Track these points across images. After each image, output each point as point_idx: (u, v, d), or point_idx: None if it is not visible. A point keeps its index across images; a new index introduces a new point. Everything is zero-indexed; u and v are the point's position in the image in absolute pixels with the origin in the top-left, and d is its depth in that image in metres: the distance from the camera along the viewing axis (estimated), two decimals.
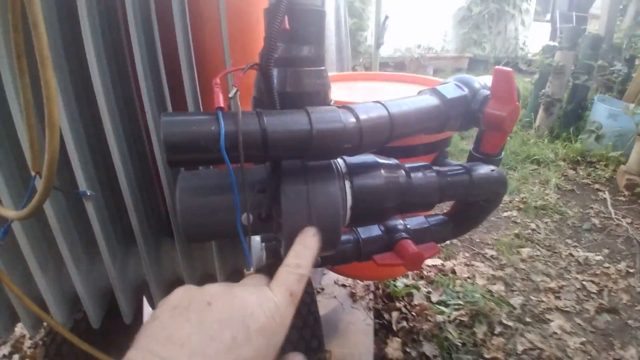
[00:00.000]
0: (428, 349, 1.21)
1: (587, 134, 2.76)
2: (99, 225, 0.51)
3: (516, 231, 1.88)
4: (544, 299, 1.45)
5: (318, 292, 1.30)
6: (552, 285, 1.52)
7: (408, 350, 1.20)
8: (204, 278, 0.63)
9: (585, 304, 1.44)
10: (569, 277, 1.58)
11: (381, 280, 1.42)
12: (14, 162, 0.48)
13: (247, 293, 0.29)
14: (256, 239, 0.63)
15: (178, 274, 0.61)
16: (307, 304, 0.72)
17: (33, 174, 0.40)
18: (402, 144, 0.69)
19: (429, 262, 1.63)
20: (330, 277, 1.36)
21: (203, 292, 0.28)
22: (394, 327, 1.27)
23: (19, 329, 1.25)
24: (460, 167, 0.54)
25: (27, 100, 0.37)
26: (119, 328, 0.63)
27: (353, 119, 0.39)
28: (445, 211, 0.66)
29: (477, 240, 1.84)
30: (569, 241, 1.83)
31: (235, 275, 0.64)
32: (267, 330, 0.27)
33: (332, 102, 0.47)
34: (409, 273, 1.54)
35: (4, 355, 1.18)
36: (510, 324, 1.32)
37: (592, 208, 2.12)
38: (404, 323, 1.29)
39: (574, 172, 2.57)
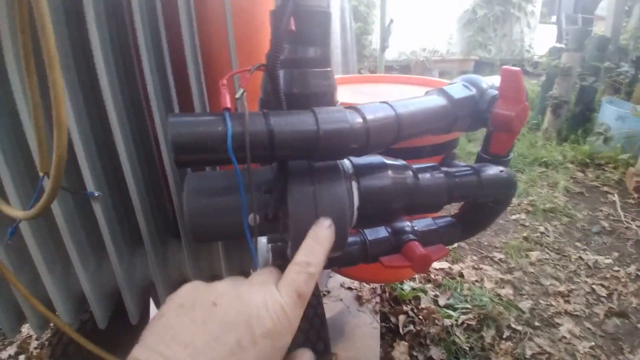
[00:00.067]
0: (435, 353, 1.20)
1: (595, 136, 2.73)
2: (106, 225, 0.51)
3: (525, 234, 1.87)
4: (553, 303, 1.43)
5: (324, 295, 1.30)
6: (562, 288, 1.50)
7: (415, 354, 1.19)
8: (211, 279, 0.62)
9: (595, 307, 1.42)
10: (579, 280, 1.56)
11: (388, 283, 1.41)
12: (22, 163, 0.49)
13: (253, 293, 0.28)
14: (262, 241, 0.62)
15: (185, 274, 0.61)
16: (313, 306, 0.72)
17: (41, 174, 0.40)
18: (409, 146, 0.69)
19: (436, 265, 1.62)
20: (336, 280, 1.36)
21: (209, 290, 0.28)
22: (401, 331, 1.26)
23: (25, 329, 1.25)
24: (469, 168, 0.53)
25: (35, 101, 0.38)
26: (126, 328, 0.63)
27: (360, 119, 0.39)
28: (453, 213, 0.66)
29: (485, 243, 1.82)
30: (578, 244, 1.81)
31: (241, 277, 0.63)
32: (273, 333, 0.27)
33: (339, 103, 0.47)
34: (416, 276, 1.53)
35: (10, 356, 1.19)
36: (519, 328, 1.30)
37: (601, 211, 2.09)
38: (411, 327, 1.28)
39: (583, 174, 2.55)
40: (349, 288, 1.33)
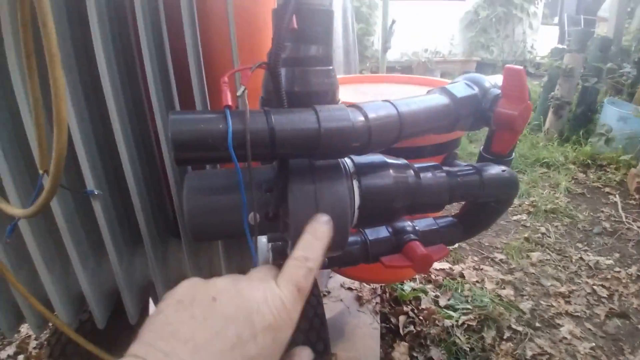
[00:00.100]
0: (435, 353, 1.19)
1: (597, 137, 2.73)
2: (106, 224, 0.51)
3: (526, 235, 1.86)
4: (554, 304, 1.43)
5: (324, 295, 1.30)
6: (562, 289, 1.50)
7: (415, 354, 1.19)
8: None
9: (596, 308, 1.41)
10: (579, 281, 1.56)
11: (388, 284, 1.40)
12: (22, 161, 0.48)
13: (253, 289, 0.28)
14: (263, 240, 0.62)
15: (184, 274, 0.61)
16: (313, 306, 0.72)
17: (41, 172, 0.40)
18: (410, 145, 0.68)
19: (437, 265, 1.61)
20: (336, 280, 1.36)
21: (208, 286, 0.28)
22: (401, 331, 1.26)
23: (24, 329, 1.25)
24: (471, 168, 0.53)
25: (36, 99, 0.37)
26: (125, 329, 0.63)
27: (361, 118, 0.39)
28: (454, 213, 0.66)
29: (486, 244, 1.82)
30: (580, 245, 1.81)
31: None
32: (273, 327, 0.27)
33: (340, 102, 0.47)
34: (417, 277, 1.52)
35: (9, 356, 1.18)
36: (520, 328, 1.30)
37: (602, 212, 2.09)
38: (411, 327, 1.28)
39: (584, 175, 2.54)
40: (349, 288, 1.33)
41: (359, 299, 1.28)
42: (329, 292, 1.31)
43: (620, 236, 1.88)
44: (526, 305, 1.41)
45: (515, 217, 2.04)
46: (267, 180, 0.40)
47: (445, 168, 0.51)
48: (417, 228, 0.60)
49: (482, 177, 0.52)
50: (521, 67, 0.49)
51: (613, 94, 3.08)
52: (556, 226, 1.96)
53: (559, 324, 1.33)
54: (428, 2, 6.06)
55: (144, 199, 0.53)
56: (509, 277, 1.57)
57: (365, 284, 1.35)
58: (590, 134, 2.92)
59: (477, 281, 1.54)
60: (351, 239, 0.59)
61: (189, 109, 0.52)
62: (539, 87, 3.76)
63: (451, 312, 1.35)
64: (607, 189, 2.34)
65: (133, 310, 0.59)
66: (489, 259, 1.71)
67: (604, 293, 1.49)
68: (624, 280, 1.55)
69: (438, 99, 0.48)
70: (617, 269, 1.63)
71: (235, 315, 0.26)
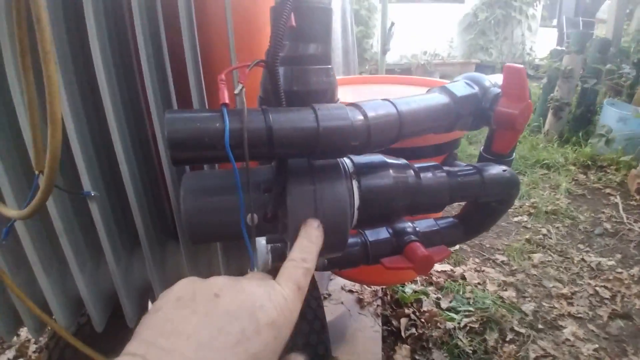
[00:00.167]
0: (438, 356, 1.18)
1: (597, 137, 2.72)
2: (103, 226, 0.51)
3: (527, 236, 1.85)
4: (556, 305, 1.42)
5: (325, 298, 1.29)
6: (565, 291, 1.49)
7: (417, 357, 1.18)
8: None
9: (598, 309, 1.40)
10: (582, 282, 1.55)
11: (389, 286, 1.40)
12: (18, 162, 0.48)
13: (254, 286, 0.28)
14: (262, 242, 0.62)
15: (183, 276, 0.59)
16: (313, 309, 0.71)
17: (37, 172, 0.40)
18: (410, 145, 0.68)
19: (438, 267, 1.61)
20: (337, 283, 1.35)
21: (208, 283, 0.28)
22: (403, 334, 1.25)
23: (24, 333, 1.24)
24: (471, 168, 0.53)
25: (31, 98, 0.37)
26: (125, 332, 0.62)
27: (361, 117, 0.38)
28: (455, 214, 0.65)
29: (488, 245, 1.81)
30: (581, 246, 1.80)
31: None
32: (276, 323, 0.27)
33: (339, 101, 0.47)
34: (418, 279, 1.52)
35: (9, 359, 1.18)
36: (522, 330, 1.29)
37: (603, 213, 2.08)
38: (413, 330, 1.27)
39: (585, 176, 2.54)
40: (350, 291, 1.32)
41: (359, 301, 1.28)
42: (329, 295, 1.30)
43: (622, 237, 1.87)
44: (528, 307, 1.40)
45: (516, 219, 2.04)
46: (265, 180, 0.40)
47: (445, 168, 0.50)
48: (417, 229, 0.59)
49: (483, 177, 0.52)
50: (521, 66, 0.49)
51: (612, 95, 3.07)
52: (557, 227, 1.95)
53: (561, 326, 1.32)
54: (427, 4, 6.08)
55: (141, 200, 0.53)
56: (510, 279, 1.57)
57: (366, 287, 1.34)
58: (590, 135, 2.91)
59: (478, 283, 1.54)
60: (351, 240, 0.58)
61: (188, 107, 0.52)
62: (538, 89, 3.76)
63: (453, 315, 1.34)
64: (607, 190, 2.33)
65: (131, 313, 0.58)
66: (491, 261, 1.70)
67: (606, 294, 1.48)
68: (626, 281, 1.54)
69: (438, 98, 0.48)
70: (619, 270, 1.62)
71: (239, 311, 0.26)
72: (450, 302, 1.41)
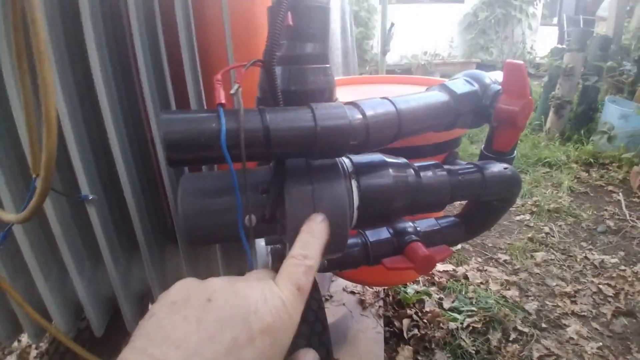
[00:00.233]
0: (440, 357, 1.18)
1: (598, 135, 2.71)
2: (101, 230, 0.50)
3: (530, 235, 1.85)
4: (560, 304, 1.41)
5: (326, 300, 1.28)
6: (568, 289, 1.48)
7: (420, 358, 1.17)
8: None
9: (602, 307, 1.40)
10: (585, 280, 1.54)
11: (391, 287, 1.39)
12: (16, 166, 0.48)
13: (250, 289, 0.27)
14: (262, 244, 0.61)
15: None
16: (314, 310, 0.70)
17: (34, 175, 0.39)
18: (410, 144, 0.68)
19: (440, 267, 1.60)
20: (338, 284, 1.34)
21: (203, 287, 0.27)
22: (405, 335, 1.24)
23: (26, 338, 1.24)
24: (472, 166, 0.52)
25: (27, 100, 0.37)
26: (124, 337, 0.62)
27: (359, 115, 0.38)
28: (456, 213, 0.65)
29: (490, 244, 1.80)
30: (584, 244, 1.79)
31: None
32: (272, 329, 0.25)
33: (338, 101, 0.46)
34: (420, 279, 1.51)
35: None
36: (526, 330, 1.28)
37: (606, 210, 2.07)
38: (415, 331, 1.27)
39: (587, 174, 2.53)
40: (352, 292, 1.32)
41: (361, 302, 1.27)
42: (331, 297, 1.30)
43: (625, 234, 1.86)
44: (532, 306, 1.39)
45: (518, 217, 2.03)
46: (263, 181, 0.40)
47: (446, 166, 0.50)
48: (418, 229, 0.58)
49: (484, 175, 0.51)
50: (521, 62, 0.48)
51: (614, 93, 3.06)
52: (560, 225, 1.95)
53: (565, 324, 1.31)
54: (427, 5, 6.08)
55: (139, 202, 0.52)
56: (513, 278, 1.56)
57: (367, 288, 1.34)
58: (592, 132, 2.90)
59: (481, 282, 1.53)
60: (351, 240, 0.58)
61: (186, 108, 0.51)
62: (539, 87, 3.75)
63: (456, 315, 1.34)
64: (610, 188, 2.32)
65: (131, 317, 0.58)
66: (493, 260, 1.69)
67: (609, 292, 1.47)
68: (629, 279, 1.53)
69: (437, 96, 0.47)
70: (623, 267, 1.61)
71: (231, 317, 0.24)
72: (453, 302, 1.41)
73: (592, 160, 2.66)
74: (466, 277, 1.55)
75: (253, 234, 0.40)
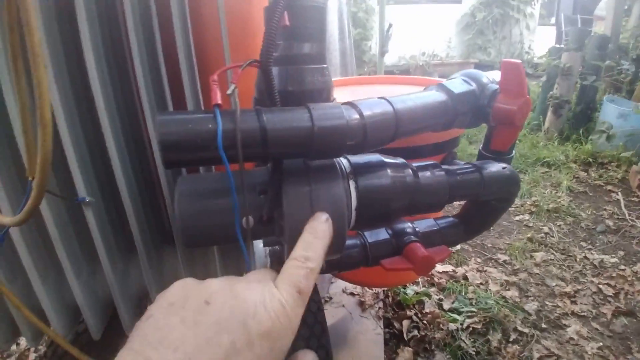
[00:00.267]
0: (441, 358, 1.17)
1: (597, 134, 2.72)
2: (98, 233, 0.50)
3: (529, 235, 1.84)
4: (560, 304, 1.41)
5: (326, 301, 1.28)
6: (568, 289, 1.48)
7: None
8: None
9: (602, 307, 1.39)
10: (585, 280, 1.54)
11: (391, 288, 1.39)
12: (13, 169, 0.48)
13: (249, 291, 0.26)
14: (260, 246, 0.61)
15: None
16: (313, 312, 0.70)
17: (30, 178, 0.39)
18: (408, 145, 0.67)
19: (439, 268, 1.60)
20: (338, 286, 1.34)
21: (202, 288, 0.26)
22: (405, 337, 1.24)
23: (25, 342, 1.24)
24: (471, 166, 0.52)
25: (23, 103, 0.36)
26: (122, 340, 0.61)
27: (356, 115, 0.38)
28: (455, 213, 0.64)
29: (489, 245, 1.80)
30: (583, 244, 1.79)
31: None
32: (271, 333, 0.25)
33: (335, 101, 0.46)
34: (420, 280, 1.51)
35: None
36: (526, 330, 1.28)
37: (605, 210, 2.07)
38: (415, 332, 1.26)
39: (586, 173, 2.53)
40: (351, 294, 1.31)
41: (361, 304, 1.27)
42: (330, 298, 1.30)
43: (624, 234, 1.86)
44: (531, 306, 1.39)
45: (517, 217, 2.03)
46: (261, 182, 0.39)
47: (444, 166, 0.49)
48: (417, 229, 0.58)
49: (483, 175, 0.51)
50: (519, 61, 0.48)
51: (612, 92, 3.07)
52: (559, 225, 1.94)
53: (565, 325, 1.31)
54: (424, 5, 6.09)
55: (137, 205, 0.52)
56: (513, 278, 1.56)
57: (367, 289, 1.33)
58: (591, 132, 2.90)
59: (481, 283, 1.52)
60: (350, 242, 0.58)
61: (183, 110, 0.51)
62: (537, 87, 3.75)
63: (455, 316, 1.33)
64: (609, 187, 2.32)
65: (128, 320, 0.57)
66: (493, 260, 1.69)
67: (609, 292, 1.47)
68: (629, 278, 1.53)
69: (435, 96, 0.47)
70: (622, 267, 1.61)
71: (229, 320, 0.24)
72: (453, 303, 1.40)
73: (591, 160, 2.66)
74: (466, 278, 1.55)
75: (251, 235, 0.40)
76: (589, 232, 1.89)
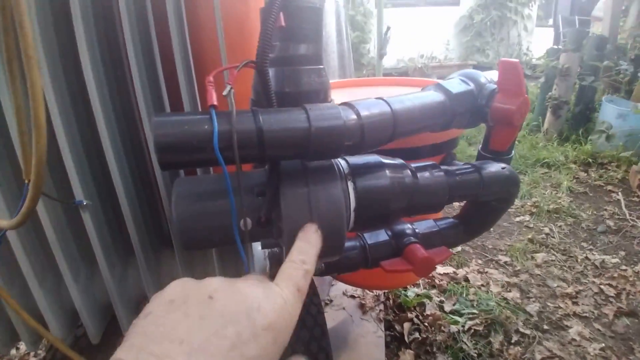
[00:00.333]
0: None
1: (596, 134, 2.72)
2: (96, 236, 0.50)
3: (530, 236, 1.84)
4: (561, 305, 1.40)
5: (326, 304, 1.27)
6: (569, 290, 1.47)
7: None
8: None
9: (604, 308, 1.39)
10: (586, 281, 1.53)
11: (391, 290, 1.38)
12: (11, 173, 0.47)
13: (251, 287, 0.27)
14: (259, 248, 0.61)
15: None
16: (313, 315, 0.70)
17: (26, 181, 0.39)
18: (407, 146, 0.67)
19: (440, 270, 1.59)
20: (338, 288, 1.33)
21: (202, 285, 0.27)
22: (406, 339, 1.23)
23: (24, 346, 1.23)
24: (470, 166, 0.52)
25: (19, 105, 0.36)
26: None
27: (354, 116, 0.37)
28: (455, 214, 0.64)
29: (490, 246, 1.79)
30: (584, 244, 1.78)
31: None
32: (275, 326, 0.25)
33: (332, 102, 0.46)
34: (420, 282, 1.50)
35: None
36: (527, 332, 1.27)
37: (605, 210, 2.07)
38: (417, 334, 1.26)
39: (586, 174, 2.52)
40: (352, 296, 1.31)
41: (362, 306, 1.26)
42: (331, 301, 1.29)
43: (625, 234, 1.85)
44: (533, 307, 1.39)
45: (518, 219, 2.02)
46: (258, 183, 0.39)
47: (443, 167, 0.49)
48: (417, 230, 0.58)
49: (482, 175, 0.51)
50: (517, 60, 0.48)
51: (611, 92, 3.07)
52: (560, 226, 1.94)
53: (567, 326, 1.30)
54: (422, 8, 6.11)
55: (134, 208, 0.52)
56: (514, 280, 1.55)
57: (367, 291, 1.33)
58: (590, 132, 2.90)
59: (482, 285, 1.52)
60: (350, 243, 0.57)
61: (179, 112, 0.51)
62: (536, 88, 3.76)
63: (457, 318, 1.33)
64: (609, 187, 2.32)
65: (127, 323, 0.57)
66: (494, 262, 1.68)
67: (611, 292, 1.46)
68: (630, 279, 1.52)
69: (433, 96, 0.47)
70: (624, 267, 1.60)
71: (234, 314, 0.25)
72: (454, 304, 1.40)
73: (590, 160, 2.66)
74: (467, 280, 1.55)
75: (249, 237, 0.39)
76: (590, 233, 1.88)
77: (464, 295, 1.45)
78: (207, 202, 0.38)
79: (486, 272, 1.60)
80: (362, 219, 0.42)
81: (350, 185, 0.41)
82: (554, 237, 1.84)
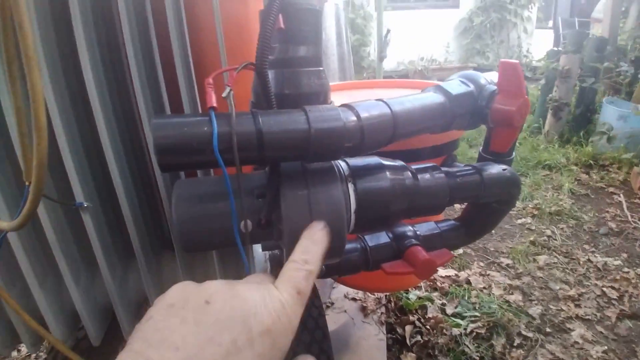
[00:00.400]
0: None
1: (597, 136, 2.71)
2: (97, 238, 0.50)
3: (531, 238, 1.83)
4: (564, 308, 1.39)
5: (327, 307, 1.27)
6: (572, 292, 1.47)
7: None
8: None
9: (606, 310, 1.38)
10: (588, 283, 1.53)
11: (393, 292, 1.38)
12: (11, 174, 0.47)
13: (250, 291, 0.27)
14: (259, 250, 0.61)
15: None
16: (315, 318, 0.69)
17: (27, 183, 0.39)
18: (407, 148, 0.67)
19: (442, 272, 1.59)
20: (340, 291, 1.33)
21: (201, 289, 0.26)
22: (408, 342, 1.23)
23: (26, 347, 1.23)
24: (470, 168, 0.52)
25: (19, 107, 0.36)
26: (122, 346, 0.61)
27: (354, 117, 0.37)
28: (456, 217, 0.64)
29: (492, 249, 1.79)
30: (587, 247, 1.78)
31: None
32: (272, 332, 0.25)
33: (332, 103, 0.46)
34: (422, 285, 1.50)
35: None
36: (530, 335, 1.27)
37: (607, 212, 2.06)
38: (418, 337, 1.25)
39: (587, 176, 2.52)
40: (353, 299, 1.30)
41: (363, 309, 1.26)
42: (332, 304, 1.29)
43: (627, 236, 1.85)
44: (535, 310, 1.38)
45: (519, 221, 2.02)
46: (259, 185, 0.39)
47: (444, 169, 0.49)
48: (418, 233, 0.58)
49: (483, 177, 0.51)
50: (516, 61, 0.48)
51: (611, 94, 3.07)
52: (562, 228, 1.93)
53: (569, 329, 1.30)
54: (422, 11, 6.12)
55: (135, 210, 0.52)
56: (516, 282, 1.54)
57: (369, 294, 1.33)
58: (591, 134, 2.90)
59: (484, 287, 1.51)
60: (350, 245, 0.57)
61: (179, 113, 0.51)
62: (536, 90, 3.76)
63: (459, 320, 1.32)
64: (611, 189, 2.31)
65: (128, 325, 0.57)
66: (495, 264, 1.68)
67: (613, 294, 1.45)
68: (633, 281, 1.52)
69: (432, 97, 0.47)
70: (626, 269, 1.60)
71: (230, 319, 0.24)
72: (456, 307, 1.39)
73: (591, 162, 2.65)
74: (469, 282, 1.54)
75: (249, 239, 0.39)
76: (592, 235, 1.88)
77: (466, 297, 1.44)
78: (208, 204, 0.37)
79: (488, 275, 1.60)
80: (363, 220, 0.42)
81: (350, 186, 0.41)
82: (555, 240, 1.84)
